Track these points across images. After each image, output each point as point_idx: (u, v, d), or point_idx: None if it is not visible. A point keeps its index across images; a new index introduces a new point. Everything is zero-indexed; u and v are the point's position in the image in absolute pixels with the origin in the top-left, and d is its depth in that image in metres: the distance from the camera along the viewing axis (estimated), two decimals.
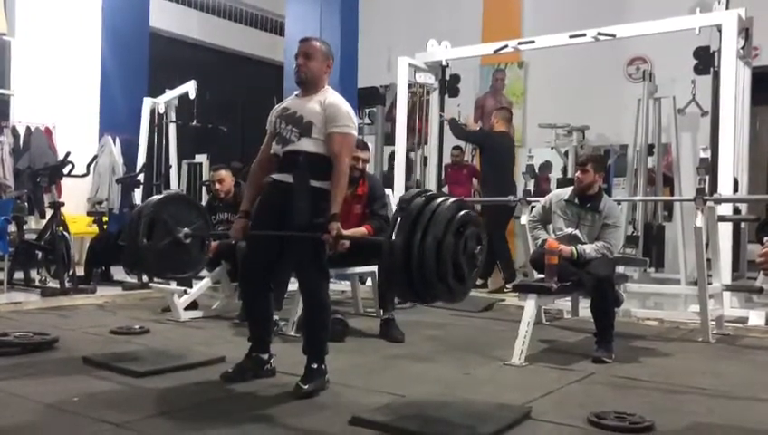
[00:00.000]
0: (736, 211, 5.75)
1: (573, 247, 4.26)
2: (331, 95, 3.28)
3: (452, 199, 2.77)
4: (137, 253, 3.54)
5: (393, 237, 2.67)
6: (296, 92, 3.41)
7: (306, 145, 3.19)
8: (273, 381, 3.35)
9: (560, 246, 4.19)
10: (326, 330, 3.31)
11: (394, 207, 6.00)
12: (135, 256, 3.61)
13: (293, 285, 4.51)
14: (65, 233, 6.25)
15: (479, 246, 2.77)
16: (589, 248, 4.28)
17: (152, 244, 3.46)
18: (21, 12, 8.34)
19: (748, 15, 5.76)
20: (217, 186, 5.44)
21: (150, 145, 9.09)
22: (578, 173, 4.43)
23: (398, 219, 2.71)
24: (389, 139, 8.72)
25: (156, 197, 3.75)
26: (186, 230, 3.54)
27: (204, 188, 9.17)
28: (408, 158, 7.98)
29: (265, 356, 3.41)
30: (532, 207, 4.96)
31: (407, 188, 7.42)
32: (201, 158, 9.78)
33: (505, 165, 7.02)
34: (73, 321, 5.00)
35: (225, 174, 5.47)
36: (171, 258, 3.55)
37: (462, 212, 2.73)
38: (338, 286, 6.01)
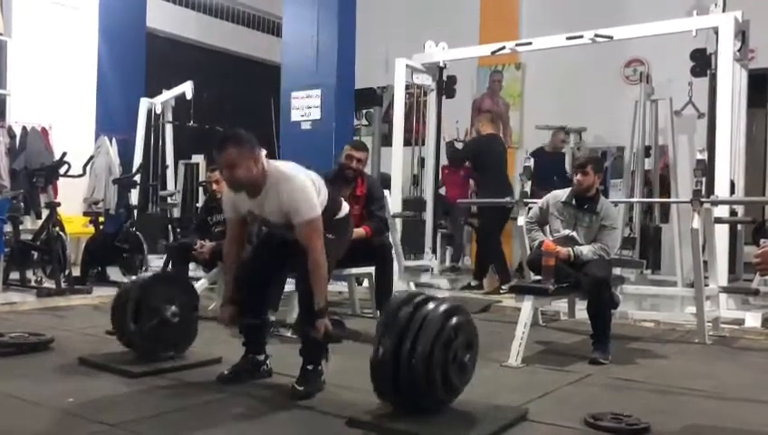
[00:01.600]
0: (733, 213, 5.76)
1: (570, 249, 4.26)
2: (280, 188, 3.05)
3: (442, 307, 2.72)
4: (126, 336, 3.59)
5: (380, 347, 2.65)
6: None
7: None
8: (269, 382, 3.34)
9: (557, 247, 4.19)
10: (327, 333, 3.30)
11: (392, 209, 6.04)
12: (124, 340, 3.65)
13: (290, 286, 4.50)
14: (61, 233, 6.24)
15: (468, 355, 2.75)
16: (585, 250, 4.28)
17: (139, 327, 3.48)
18: (17, 12, 8.31)
19: (745, 18, 5.77)
20: (215, 186, 5.43)
21: (147, 145, 9.08)
22: (578, 175, 4.40)
23: (386, 328, 2.67)
24: (387, 140, 8.72)
25: (142, 278, 3.79)
26: (173, 309, 3.55)
27: (200, 189, 9.16)
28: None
29: (261, 357, 3.40)
30: (530, 209, 4.96)
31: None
32: (198, 158, 9.77)
33: (499, 167, 7.02)
34: (69, 321, 4.98)
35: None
36: (159, 338, 3.55)
37: (452, 321, 2.69)
38: (335, 287, 5.99)
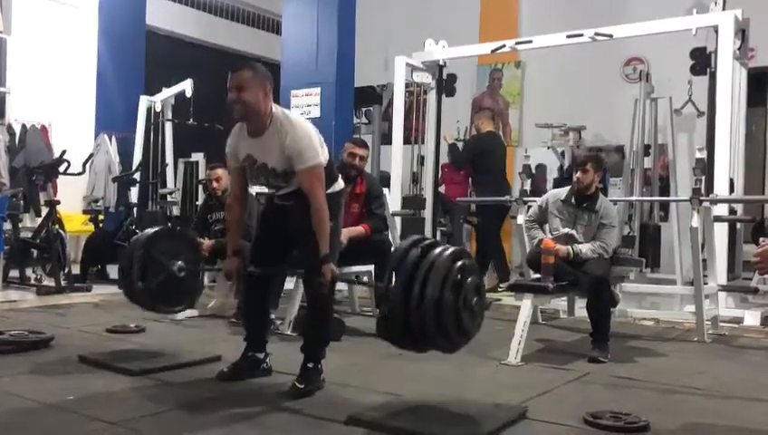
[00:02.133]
0: (732, 212, 5.76)
1: (570, 247, 4.26)
2: (284, 132, 3.02)
3: (449, 250, 2.72)
4: (133, 295, 3.61)
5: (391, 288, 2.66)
6: (245, 128, 3.15)
7: (296, 184, 3.13)
8: (268, 380, 3.35)
9: (556, 245, 4.20)
10: (327, 332, 3.31)
11: (391, 207, 6.04)
12: (132, 298, 3.67)
13: (290, 284, 4.51)
14: (61, 231, 6.24)
15: (477, 297, 2.74)
16: (585, 248, 4.28)
17: (147, 285, 3.49)
18: (17, 9, 8.31)
19: (745, 17, 5.77)
20: (214, 184, 5.43)
21: (147, 143, 9.08)
22: (578, 173, 4.41)
23: (395, 273, 2.67)
24: (386, 138, 8.72)
25: (146, 233, 3.73)
26: (179, 264, 3.55)
27: (200, 187, 9.16)
28: None
29: (261, 355, 3.41)
30: (529, 207, 4.96)
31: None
32: (197, 156, 9.76)
33: (498, 165, 7.01)
34: (69, 319, 4.99)
35: (221, 172, 5.46)
36: (167, 294, 3.57)
37: (459, 263, 2.68)
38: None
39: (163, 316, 5.04)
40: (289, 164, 3.06)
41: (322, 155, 3.10)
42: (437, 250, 2.69)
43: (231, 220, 3.42)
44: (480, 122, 7.23)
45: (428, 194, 7.74)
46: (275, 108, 3.13)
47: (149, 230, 3.75)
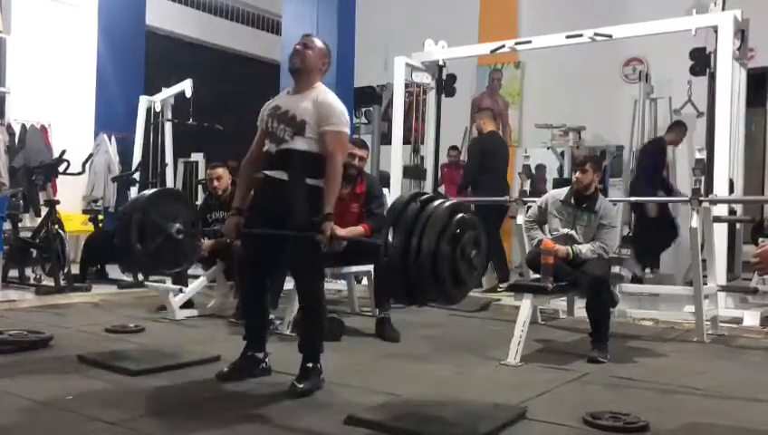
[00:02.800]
0: (732, 212, 5.76)
1: (569, 247, 4.26)
2: (323, 93, 3.25)
3: (447, 203, 2.74)
4: (132, 258, 3.55)
5: (389, 242, 2.65)
6: (288, 89, 3.37)
7: (300, 144, 3.16)
8: (268, 380, 3.34)
9: (555, 246, 4.20)
10: (322, 329, 3.31)
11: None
12: (130, 260, 3.64)
13: (289, 284, 4.51)
14: (60, 231, 6.24)
15: (475, 251, 2.74)
16: (584, 248, 4.28)
17: (145, 247, 3.45)
18: (17, 9, 8.30)
19: (744, 17, 5.77)
20: (215, 183, 5.44)
21: (146, 143, 9.07)
22: (577, 173, 4.40)
23: (393, 225, 2.68)
24: (386, 138, 8.72)
25: (142, 195, 3.71)
26: (177, 226, 3.53)
27: (200, 187, 9.16)
28: None
29: (261, 355, 3.40)
30: (528, 208, 4.96)
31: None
32: (197, 156, 9.76)
33: (498, 166, 7.01)
34: (68, 319, 4.98)
35: (222, 171, 5.47)
36: (166, 256, 3.54)
37: (457, 216, 2.70)
38: (334, 286, 6.00)
39: (162, 316, 5.05)
40: (315, 118, 3.16)
41: (347, 128, 3.27)
42: (436, 203, 2.71)
43: (242, 177, 3.46)
44: (482, 122, 7.22)
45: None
46: (321, 84, 3.30)
47: (147, 192, 3.73)
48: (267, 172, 3.26)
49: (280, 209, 3.16)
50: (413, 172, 8.02)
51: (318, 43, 3.33)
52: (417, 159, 8.29)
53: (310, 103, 3.19)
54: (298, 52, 3.27)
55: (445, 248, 2.61)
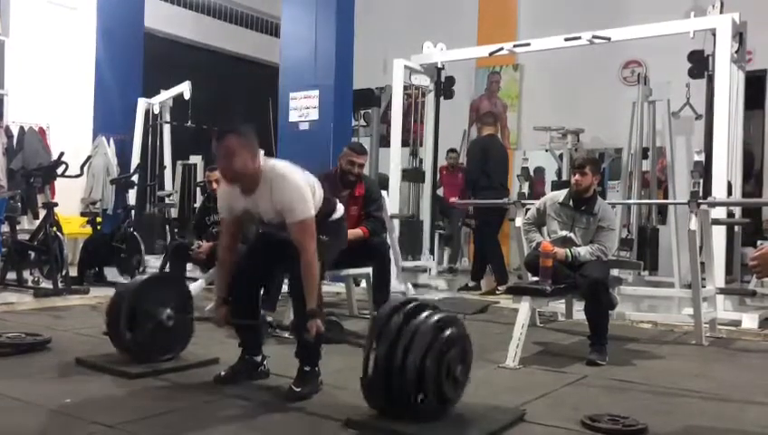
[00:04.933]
0: (730, 215, 5.77)
1: (567, 250, 4.26)
2: (274, 186, 3.04)
3: (434, 317, 2.70)
4: (122, 346, 3.54)
5: (372, 352, 2.65)
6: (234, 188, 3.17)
7: None
8: (266, 383, 3.34)
9: (554, 248, 4.20)
10: (320, 334, 3.29)
11: (390, 210, 6.04)
12: (121, 349, 3.59)
13: (287, 286, 4.50)
14: (58, 233, 6.23)
15: (461, 367, 2.73)
16: (583, 251, 4.28)
17: (136, 335, 3.44)
18: (15, 11, 8.31)
19: (742, 20, 5.78)
20: (214, 185, 5.44)
21: (145, 146, 9.07)
22: (576, 175, 4.38)
23: (377, 338, 2.65)
24: (385, 140, 8.73)
25: (134, 281, 3.68)
26: (168, 312, 3.50)
27: (198, 189, 9.16)
28: None
29: (259, 358, 3.40)
30: (527, 210, 4.96)
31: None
32: (196, 159, 9.76)
33: (497, 167, 7.02)
34: (66, 322, 4.98)
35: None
36: (157, 343, 3.52)
37: (445, 333, 2.67)
38: (332, 288, 6.00)
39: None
40: (282, 217, 3.09)
41: (313, 207, 3.11)
42: (422, 316, 2.68)
43: (222, 268, 3.36)
44: (481, 126, 7.25)
45: (427, 197, 7.76)
46: (263, 162, 3.12)
47: (137, 279, 3.71)
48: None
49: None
50: (412, 175, 8.03)
51: (233, 141, 3.03)
52: (416, 162, 8.30)
53: (269, 207, 3.08)
54: (224, 170, 3.08)
55: (430, 367, 2.58)
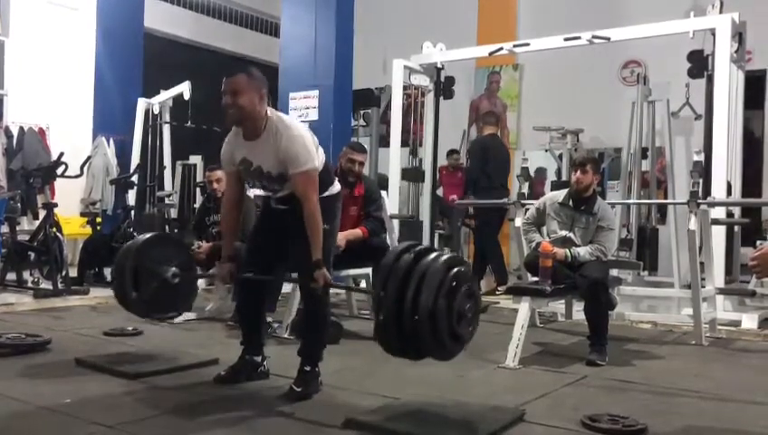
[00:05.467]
0: (730, 215, 5.77)
1: (567, 250, 4.26)
2: (279, 134, 3.04)
3: (443, 257, 2.70)
4: (128, 306, 3.55)
5: (383, 294, 2.64)
6: (242, 133, 3.15)
7: (290, 187, 3.14)
8: (266, 383, 3.34)
9: (554, 248, 4.19)
10: (324, 334, 3.30)
11: (389, 210, 6.04)
12: (127, 308, 3.61)
13: (286, 288, 4.51)
14: (58, 234, 6.23)
15: (469, 304, 2.72)
16: (583, 251, 4.27)
17: (141, 295, 3.43)
18: (15, 11, 8.31)
19: (741, 19, 5.78)
20: (215, 185, 5.44)
21: (144, 146, 9.06)
22: (577, 174, 4.36)
23: (387, 279, 2.64)
24: (384, 141, 8.73)
25: (135, 241, 3.65)
26: (173, 270, 3.48)
27: (198, 190, 9.15)
28: None
29: (259, 358, 3.40)
30: (527, 210, 4.96)
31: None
32: (195, 159, 9.76)
33: (498, 167, 7.01)
34: (66, 322, 4.98)
35: (221, 173, 5.46)
36: (162, 301, 3.52)
37: (453, 271, 2.66)
38: (332, 289, 5.98)
39: (160, 319, 5.04)
40: (283, 167, 3.06)
41: (317, 159, 3.11)
42: (431, 257, 2.67)
43: (226, 225, 3.39)
44: (483, 125, 7.24)
45: (426, 198, 7.75)
46: (270, 112, 3.13)
47: (140, 238, 3.67)
48: (273, 206, 3.26)
49: (288, 223, 3.17)
50: (411, 174, 8.03)
51: (242, 79, 3.03)
52: (416, 162, 8.29)
53: (272, 155, 3.06)
54: (228, 107, 3.03)
55: (442, 304, 2.57)
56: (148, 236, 3.67)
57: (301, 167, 3.03)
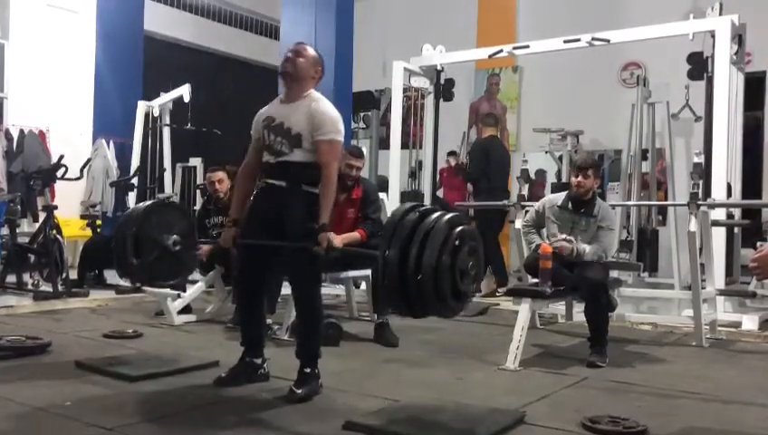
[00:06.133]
0: (730, 216, 5.77)
1: (575, 245, 4.23)
2: (316, 102, 3.23)
3: (446, 216, 2.73)
4: (128, 272, 3.55)
5: (387, 253, 2.64)
6: (281, 96, 3.35)
7: (298, 155, 3.18)
8: (266, 385, 3.34)
9: (559, 242, 4.19)
10: (319, 334, 3.31)
11: (389, 213, 6.04)
12: (127, 274, 3.62)
13: (286, 289, 4.51)
14: (58, 236, 6.23)
15: (472, 262, 2.74)
16: (589, 249, 4.24)
17: (142, 261, 3.44)
18: (15, 14, 8.32)
19: (741, 21, 5.78)
20: (217, 186, 5.45)
21: (145, 148, 9.06)
22: (578, 178, 4.34)
23: (392, 236, 2.66)
24: (384, 143, 8.73)
25: (137, 208, 3.68)
26: (174, 238, 3.51)
27: (198, 192, 9.15)
28: None
29: (259, 360, 3.40)
30: (526, 212, 4.95)
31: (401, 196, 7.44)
32: (195, 161, 9.76)
33: (498, 170, 7.01)
34: (66, 325, 4.97)
35: (222, 175, 5.49)
36: (163, 268, 3.54)
37: (457, 229, 2.68)
38: (332, 290, 5.99)
39: (160, 322, 5.05)
40: (308, 129, 3.16)
41: (341, 136, 3.25)
42: (435, 215, 2.70)
43: (238, 189, 3.47)
44: (482, 127, 7.26)
45: (427, 198, 7.75)
46: (315, 92, 3.29)
47: (141, 205, 3.69)
48: (267, 181, 3.28)
49: (278, 216, 3.18)
50: (411, 198, 7.95)
51: (310, 51, 3.32)
52: (416, 185, 8.27)
53: (303, 114, 3.18)
54: (289, 59, 3.25)
55: (446, 260, 2.60)
56: (149, 203, 3.69)
57: (328, 134, 3.16)
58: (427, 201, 7.71)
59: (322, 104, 3.23)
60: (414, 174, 8.23)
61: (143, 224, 3.49)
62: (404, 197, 7.66)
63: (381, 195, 5.56)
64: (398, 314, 2.82)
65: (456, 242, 2.65)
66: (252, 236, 3.30)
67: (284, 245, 3.17)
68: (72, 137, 8.47)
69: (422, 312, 2.74)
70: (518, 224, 5.05)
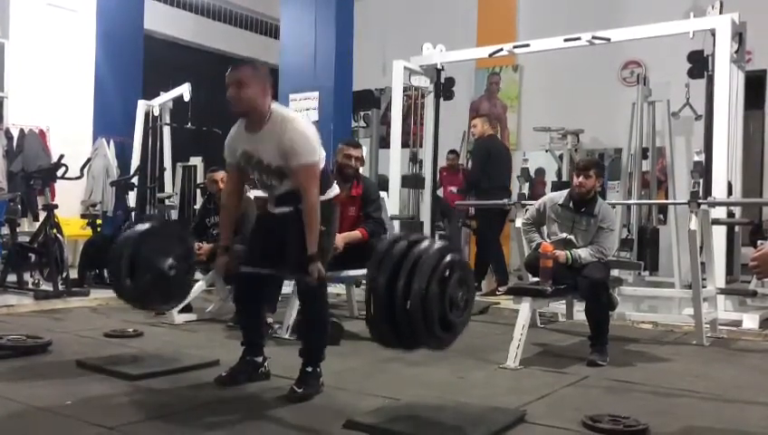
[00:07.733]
0: (730, 215, 5.77)
1: (568, 252, 4.24)
2: (281, 124, 3.04)
3: (436, 245, 2.70)
4: (122, 293, 3.53)
5: (375, 280, 2.62)
6: (243, 124, 3.17)
7: (288, 185, 3.14)
8: (267, 384, 3.34)
9: (555, 251, 4.18)
10: (324, 334, 3.30)
11: (390, 211, 6.04)
12: (120, 296, 3.59)
13: (287, 288, 4.51)
14: (59, 235, 6.23)
15: (461, 293, 2.71)
16: (584, 253, 4.26)
17: (135, 283, 3.41)
18: (15, 14, 8.31)
19: (741, 20, 5.78)
20: (220, 184, 5.44)
21: (145, 148, 9.05)
22: (580, 178, 4.32)
23: (380, 265, 2.63)
24: (384, 142, 8.73)
25: (136, 230, 3.63)
26: (169, 262, 3.45)
27: (198, 191, 9.15)
28: None
29: (260, 359, 3.40)
30: (526, 210, 4.95)
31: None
32: (196, 160, 9.76)
33: (499, 169, 7.01)
34: (67, 324, 4.98)
35: (224, 174, 5.47)
36: (156, 292, 3.50)
37: (447, 259, 2.65)
38: (332, 289, 5.99)
39: (161, 321, 5.05)
40: (284, 160, 3.05)
41: (319, 154, 3.11)
42: (424, 245, 2.67)
43: (224, 217, 3.41)
44: (481, 126, 7.24)
45: (427, 198, 7.75)
46: (275, 105, 3.15)
47: (139, 227, 3.65)
48: (272, 211, 3.26)
49: (284, 229, 3.17)
50: (411, 182, 7.98)
51: (248, 72, 3.07)
52: (416, 165, 8.27)
53: (273, 145, 3.05)
54: (233, 99, 3.04)
55: (434, 290, 2.55)
56: (148, 225, 3.65)
57: (301, 160, 3.02)
58: (428, 201, 7.72)
59: (289, 127, 3.04)
60: (415, 158, 8.24)
61: (140, 245, 3.45)
62: (405, 181, 7.67)
63: (382, 193, 5.55)
64: (386, 347, 2.77)
65: (446, 272, 2.62)
66: (259, 240, 3.32)
67: (280, 274, 3.16)
68: (72, 136, 8.47)
69: (412, 342, 2.68)
70: (519, 223, 5.05)
